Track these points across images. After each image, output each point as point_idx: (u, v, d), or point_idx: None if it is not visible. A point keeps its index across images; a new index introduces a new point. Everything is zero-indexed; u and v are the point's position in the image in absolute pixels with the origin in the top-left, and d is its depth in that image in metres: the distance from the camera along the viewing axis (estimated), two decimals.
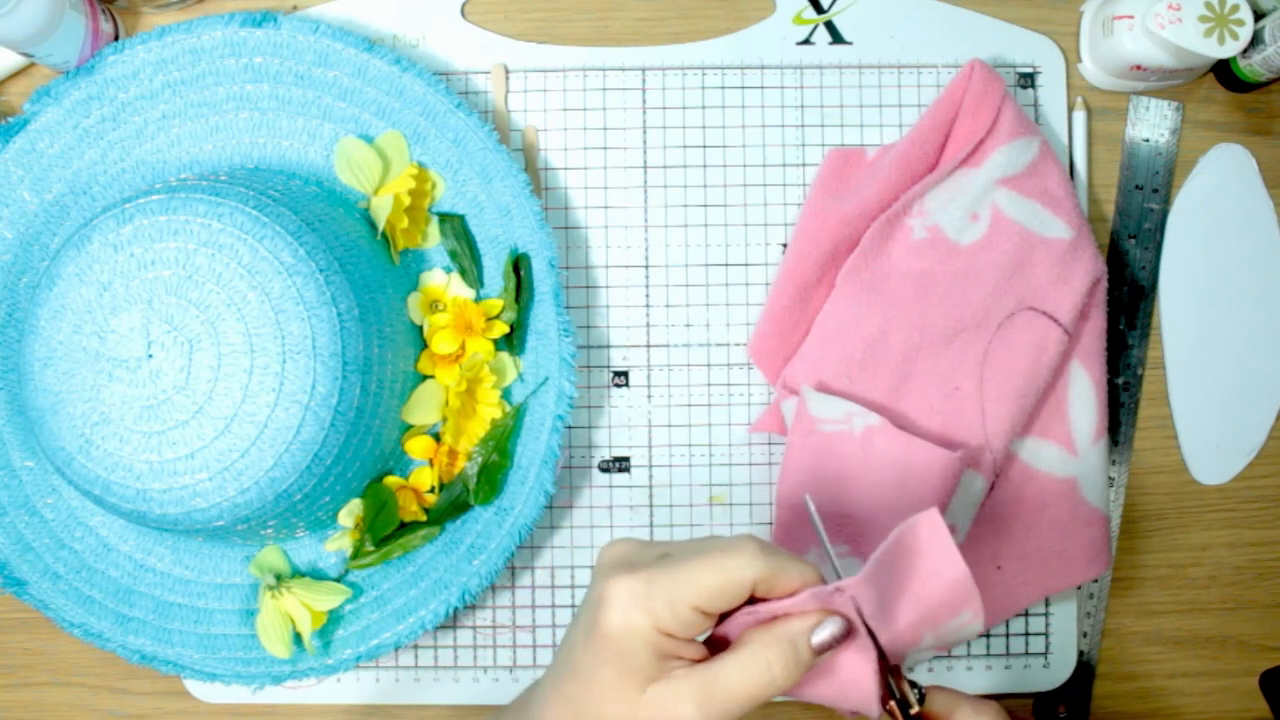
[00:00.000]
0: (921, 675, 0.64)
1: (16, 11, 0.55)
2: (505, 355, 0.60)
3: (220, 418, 0.51)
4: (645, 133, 0.65)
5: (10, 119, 0.61)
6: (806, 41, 0.65)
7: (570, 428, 0.63)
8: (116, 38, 0.63)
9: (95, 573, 0.61)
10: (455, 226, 0.60)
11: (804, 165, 0.65)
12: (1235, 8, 0.58)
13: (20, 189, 0.61)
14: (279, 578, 0.59)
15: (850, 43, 0.65)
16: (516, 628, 0.64)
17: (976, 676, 0.64)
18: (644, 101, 0.65)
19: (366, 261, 0.56)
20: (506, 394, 0.60)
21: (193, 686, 0.64)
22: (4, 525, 0.60)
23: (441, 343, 0.59)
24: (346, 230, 0.56)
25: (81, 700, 0.65)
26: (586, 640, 0.43)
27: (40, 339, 0.52)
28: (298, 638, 0.59)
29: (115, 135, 0.61)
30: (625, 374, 0.64)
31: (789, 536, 0.61)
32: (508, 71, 0.65)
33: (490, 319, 0.59)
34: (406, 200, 0.59)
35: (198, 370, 0.51)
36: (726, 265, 0.64)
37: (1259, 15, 0.60)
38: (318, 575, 0.60)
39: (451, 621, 0.64)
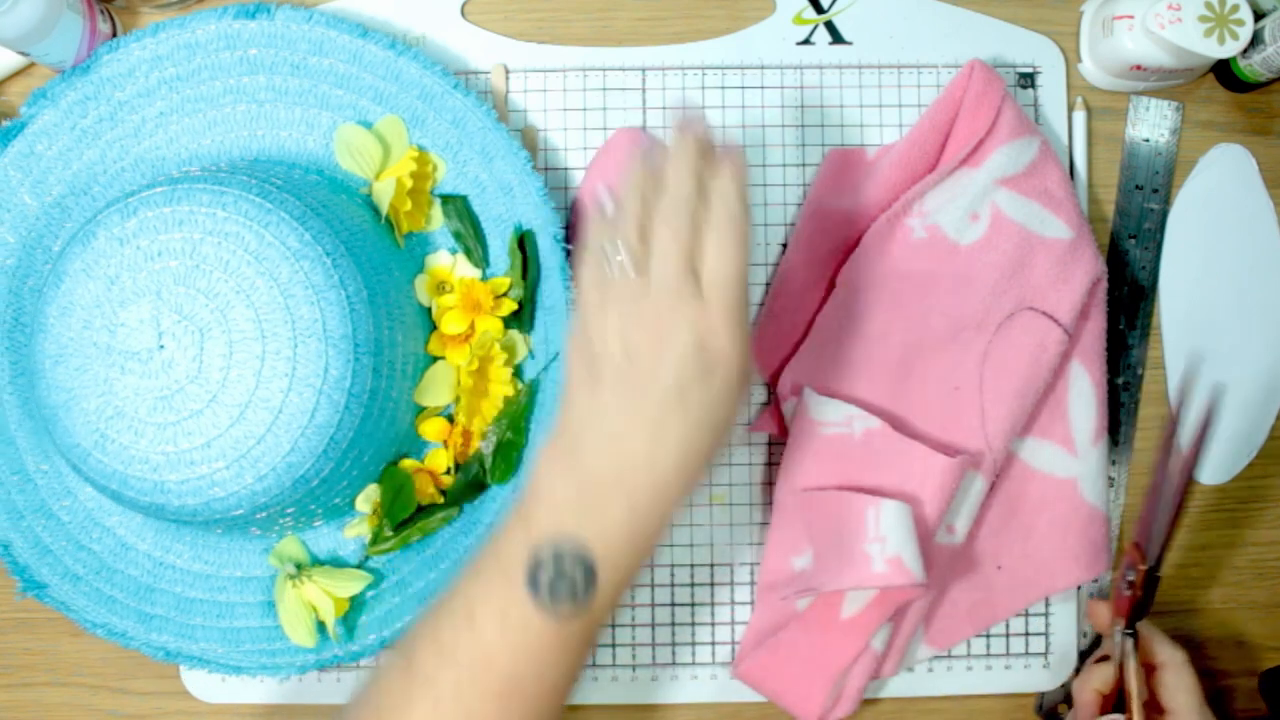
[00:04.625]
0: (921, 676, 0.64)
1: (14, 10, 0.55)
2: (515, 333, 0.60)
3: (234, 405, 0.51)
4: (642, 130, 0.64)
5: (8, 122, 0.60)
6: (806, 41, 0.65)
7: None
8: (114, 37, 0.62)
9: (115, 572, 0.60)
10: (458, 207, 0.60)
11: (804, 165, 0.65)
12: (1235, 8, 0.58)
13: (20, 192, 0.61)
14: (299, 567, 0.59)
15: (850, 43, 0.65)
16: None
17: (976, 676, 0.64)
18: (644, 101, 0.65)
19: (372, 246, 0.56)
20: (518, 371, 0.60)
21: (192, 686, 0.64)
22: (22, 529, 0.60)
23: (450, 323, 0.59)
24: (350, 216, 0.56)
25: (81, 700, 0.64)
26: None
27: (50, 336, 0.52)
28: (321, 626, 0.59)
29: (113, 134, 0.61)
30: None
31: (787, 537, 0.61)
32: (508, 71, 0.64)
33: (498, 297, 0.59)
34: (408, 184, 0.59)
35: (210, 359, 0.51)
36: None
37: (1259, 15, 0.60)
38: (338, 563, 0.60)
39: None
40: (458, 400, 0.59)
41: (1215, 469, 0.65)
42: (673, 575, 0.64)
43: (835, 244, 0.62)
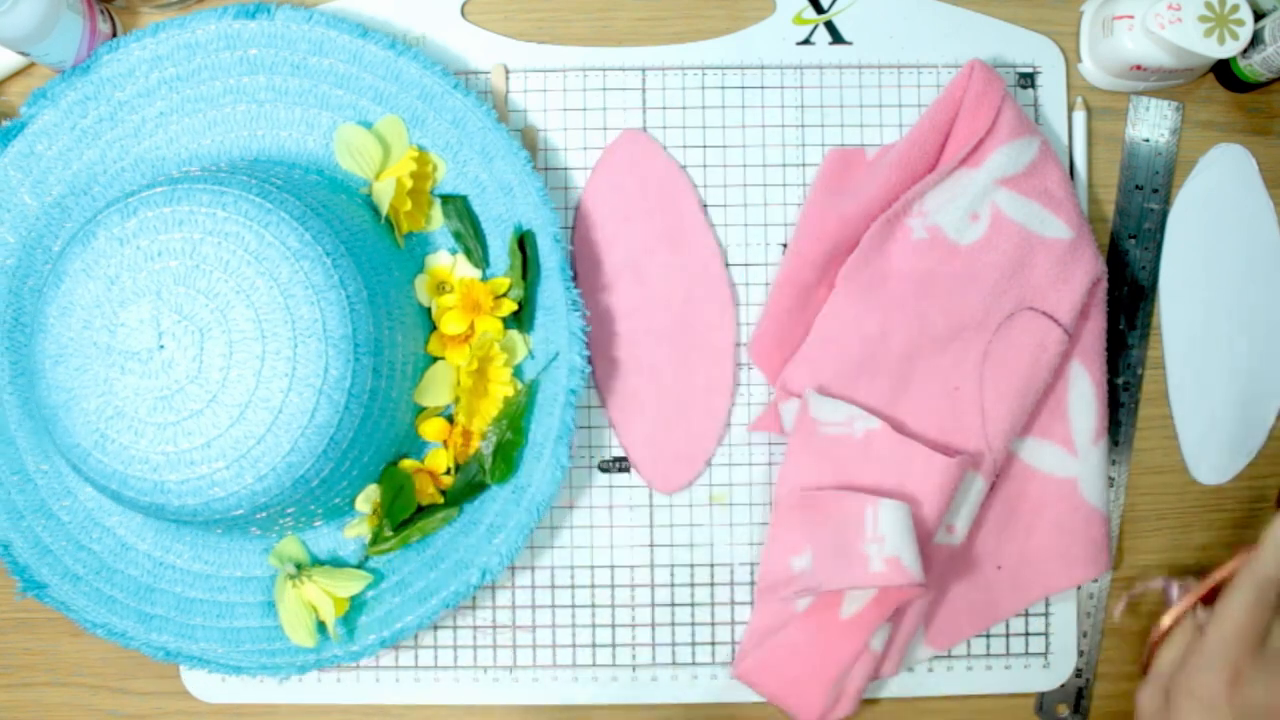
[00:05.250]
0: (921, 676, 0.64)
1: (14, 10, 0.55)
2: (515, 333, 0.60)
3: (234, 405, 0.51)
4: (645, 133, 0.65)
5: (8, 122, 0.61)
6: (806, 41, 0.65)
7: (583, 407, 0.63)
8: (114, 37, 0.62)
9: (115, 572, 0.61)
10: (458, 207, 0.60)
11: (804, 165, 0.65)
12: (1235, 8, 0.58)
13: (21, 192, 0.61)
14: (299, 567, 0.59)
15: (850, 43, 0.65)
16: (516, 628, 0.64)
17: (976, 676, 0.64)
18: (644, 101, 0.65)
19: (372, 246, 0.56)
20: (518, 371, 0.60)
21: (192, 685, 0.64)
22: (22, 530, 0.60)
23: (450, 323, 0.59)
24: (350, 216, 0.56)
25: (81, 700, 0.64)
26: None
27: (50, 336, 0.52)
28: (321, 626, 0.59)
29: (113, 134, 0.61)
30: None
31: (786, 537, 0.61)
32: (508, 71, 0.65)
33: (498, 297, 0.59)
34: (408, 184, 0.59)
35: (210, 359, 0.51)
36: (727, 265, 0.64)
37: (1259, 15, 0.60)
38: (338, 563, 0.60)
39: (451, 621, 0.64)
40: (458, 400, 0.59)
41: (1215, 469, 0.65)
42: (673, 575, 0.64)
43: (835, 244, 0.62)
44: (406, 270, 0.59)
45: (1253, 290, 0.65)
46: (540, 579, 0.64)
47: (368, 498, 0.57)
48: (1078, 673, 0.64)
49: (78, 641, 0.64)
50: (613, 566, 0.64)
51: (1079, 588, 0.64)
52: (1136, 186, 0.65)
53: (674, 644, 0.64)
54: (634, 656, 0.64)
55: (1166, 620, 0.56)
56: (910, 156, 0.61)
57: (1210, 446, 0.65)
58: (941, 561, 0.61)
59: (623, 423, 0.64)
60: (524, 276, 0.59)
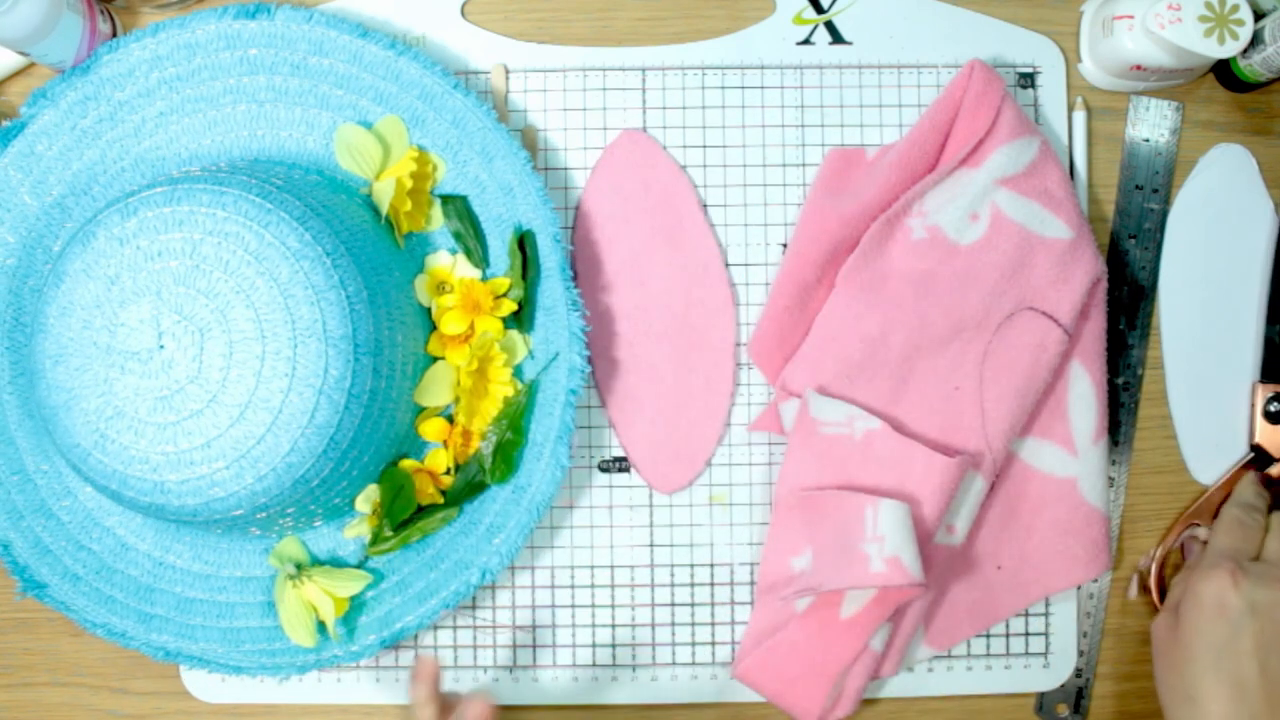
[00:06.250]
0: (921, 676, 0.64)
1: (14, 10, 0.55)
2: (515, 333, 0.60)
3: (234, 405, 0.51)
4: (645, 133, 0.65)
5: (8, 122, 0.61)
6: (806, 41, 0.65)
7: (583, 407, 0.63)
8: (114, 37, 0.62)
9: (115, 573, 0.61)
10: (458, 207, 0.60)
11: (804, 165, 0.65)
12: (1235, 8, 0.58)
13: (21, 192, 0.61)
14: (299, 567, 0.59)
15: (850, 43, 0.65)
16: (516, 628, 0.64)
17: (976, 676, 0.64)
18: (644, 101, 0.65)
19: (372, 246, 0.56)
20: (518, 371, 0.60)
21: (192, 685, 0.64)
22: (22, 530, 0.60)
23: (450, 323, 0.59)
24: (350, 216, 0.56)
25: (81, 700, 0.64)
26: None
27: (50, 336, 0.52)
28: (321, 626, 0.59)
29: (113, 134, 0.61)
30: None
31: (786, 537, 0.61)
32: (508, 71, 0.65)
33: (498, 297, 0.59)
34: (408, 184, 0.59)
35: (210, 359, 0.51)
36: (727, 265, 0.64)
37: (1259, 15, 0.60)
38: (338, 563, 0.60)
39: (451, 621, 0.64)
40: (457, 400, 0.59)
41: (1215, 469, 0.65)
42: (673, 575, 0.64)
43: (835, 244, 0.62)
44: (407, 270, 0.59)
45: (1253, 290, 0.65)
46: (540, 579, 0.64)
47: (368, 498, 0.58)
48: (1078, 673, 0.64)
49: (78, 641, 0.64)
50: (613, 566, 0.64)
51: (1079, 588, 0.64)
52: (1136, 186, 0.65)
53: (674, 644, 0.64)
54: (634, 656, 0.64)
55: (1156, 554, 0.64)
56: (910, 156, 0.61)
57: (1210, 446, 0.65)
58: (941, 561, 0.61)
59: (623, 423, 0.64)
60: (524, 276, 0.59)
